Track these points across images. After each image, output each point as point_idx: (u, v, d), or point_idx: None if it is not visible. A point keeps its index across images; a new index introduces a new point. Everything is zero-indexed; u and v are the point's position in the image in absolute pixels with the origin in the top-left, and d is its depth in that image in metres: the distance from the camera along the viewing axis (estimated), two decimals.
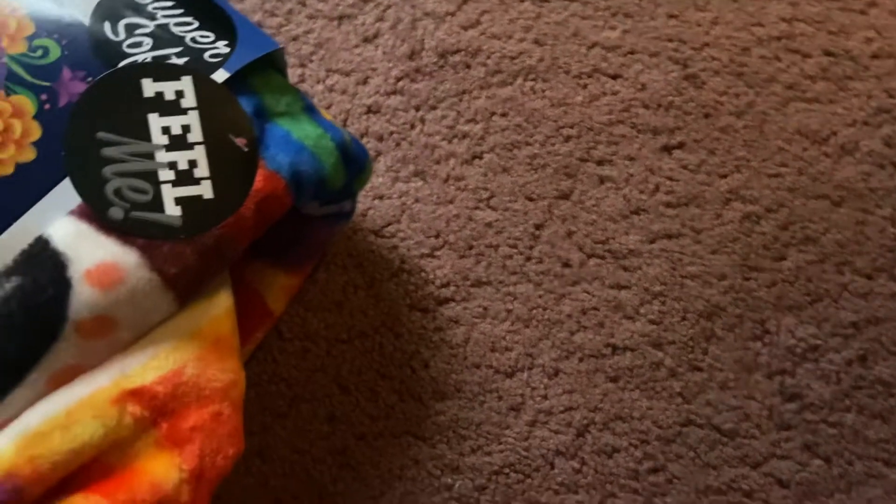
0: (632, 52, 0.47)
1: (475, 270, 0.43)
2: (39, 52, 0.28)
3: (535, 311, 0.42)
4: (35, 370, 0.26)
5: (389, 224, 0.43)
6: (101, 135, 0.28)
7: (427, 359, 0.41)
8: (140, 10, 0.30)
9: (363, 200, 0.43)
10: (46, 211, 0.27)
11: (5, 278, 0.26)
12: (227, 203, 0.29)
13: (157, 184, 0.28)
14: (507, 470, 0.40)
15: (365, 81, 0.46)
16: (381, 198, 0.44)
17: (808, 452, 0.41)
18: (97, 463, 0.27)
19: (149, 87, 0.29)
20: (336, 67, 0.46)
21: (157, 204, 0.28)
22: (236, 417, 0.31)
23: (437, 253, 0.43)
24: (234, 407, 0.31)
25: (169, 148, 0.28)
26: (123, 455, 0.27)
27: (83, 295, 0.26)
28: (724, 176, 0.45)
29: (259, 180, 0.30)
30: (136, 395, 0.28)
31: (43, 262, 0.26)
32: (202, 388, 0.29)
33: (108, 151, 0.28)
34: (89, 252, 0.27)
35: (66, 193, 0.27)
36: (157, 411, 0.28)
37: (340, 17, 0.47)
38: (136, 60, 0.29)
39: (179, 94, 0.29)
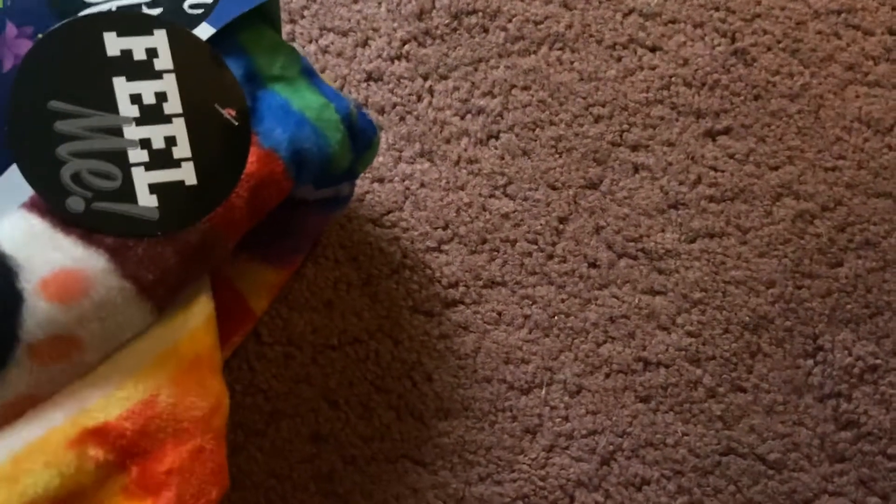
0: (673, 22, 0.41)
1: (488, 269, 0.37)
2: None
3: (556, 318, 0.37)
4: None
5: (390, 212, 0.37)
6: (55, 104, 0.22)
7: (430, 370, 0.35)
8: None
9: (360, 184, 0.37)
10: None
11: None
12: (215, 190, 0.24)
13: (126, 167, 0.22)
14: (520, 502, 0.34)
15: (365, 43, 0.39)
16: (381, 181, 0.38)
17: (864, 489, 0.36)
18: None
19: (113, 44, 0.23)
20: (332, 25, 0.39)
21: (127, 192, 0.22)
22: (220, 450, 0.25)
23: (445, 247, 0.37)
24: (216, 438, 0.25)
25: (140, 121, 0.23)
26: None
27: (38, 311, 0.21)
28: (775, 168, 0.39)
29: (252, 161, 0.25)
30: (98, 434, 0.22)
31: None
32: (179, 420, 0.24)
33: (63, 126, 0.22)
34: (44, 256, 0.21)
35: (13, 181, 0.21)
36: (124, 453, 0.23)
37: None
38: (97, 11, 0.23)
39: (152, 52, 0.23)
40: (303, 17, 0.39)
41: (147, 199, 0.22)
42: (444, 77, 0.39)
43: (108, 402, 0.23)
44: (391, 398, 0.35)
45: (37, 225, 0.21)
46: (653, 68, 0.40)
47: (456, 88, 0.39)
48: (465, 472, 0.34)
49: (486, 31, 0.40)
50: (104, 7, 0.24)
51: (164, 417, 0.23)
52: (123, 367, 0.23)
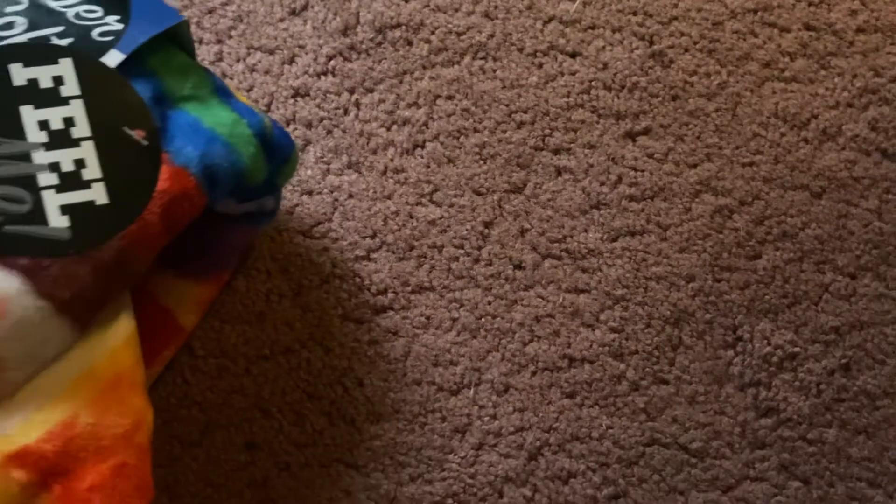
0: (592, 27, 0.42)
1: (416, 275, 0.38)
2: None
3: (483, 320, 0.38)
4: None
5: (320, 223, 0.38)
6: None
7: (361, 376, 0.36)
8: None
9: (289, 196, 0.38)
10: None
11: None
12: (127, 208, 0.24)
13: (35, 190, 0.23)
14: (450, 500, 0.36)
15: (292, 60, 0.40)
16: (309, 193, 0.39)
17: (786, 473, 0.37)
18: None
19: (19, 74, 0.24)
20: (259, 44, 0.40)
21: (37, 215, 0.23)
22: (143, 466, 0.26)
23: (374, 255, 0.38)
24: (139, 454, 0.26)
25: (49, 146, 0.24)
26: None
27: None
28: (694, 165, 0.41)
29: (164, 179, 0.26)
30: (19, 458, 0.23)
31: None
32: (100, 439, 0.25)
33: None
34: None
35: None
36: (46, 473, 0.24)
37: None
38: (3, 43, 0.24)
39: (58, 80, 0.24)
40: (230, 36, 0.40)
41: (58, 220, 0.23)
42: (369, 90, 0.40)
43: (28, 426, 0.23)
44: (323, 404, 0.36)
45: None
46: (573, 73, 0.41)
47: (382, 101, 0.40)
48: (397, 473, 0.36)
49: (409, 43, 0.41)
50: (12, 40, 0.25)
51: (84, 437, 0.24)
52: (42, 390, 0.24)
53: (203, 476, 0.35)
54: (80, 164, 0.24)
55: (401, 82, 0.41)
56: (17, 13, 0.25)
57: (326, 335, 0.37)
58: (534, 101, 0.41)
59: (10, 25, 0.25)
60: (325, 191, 0.39)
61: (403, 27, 0.41)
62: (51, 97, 0.24)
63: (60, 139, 0.24)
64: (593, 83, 0.41)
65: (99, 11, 0.26)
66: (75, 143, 0.24)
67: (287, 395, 0.36)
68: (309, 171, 0.39)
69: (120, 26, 0.26)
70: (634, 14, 0.43)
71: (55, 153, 0.24)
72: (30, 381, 0.24)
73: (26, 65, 0.24)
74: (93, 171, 0.24)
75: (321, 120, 0.40)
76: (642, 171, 0.40)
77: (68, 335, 0.24)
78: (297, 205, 0.39)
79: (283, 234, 0.38)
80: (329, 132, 0.40)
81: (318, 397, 0.36)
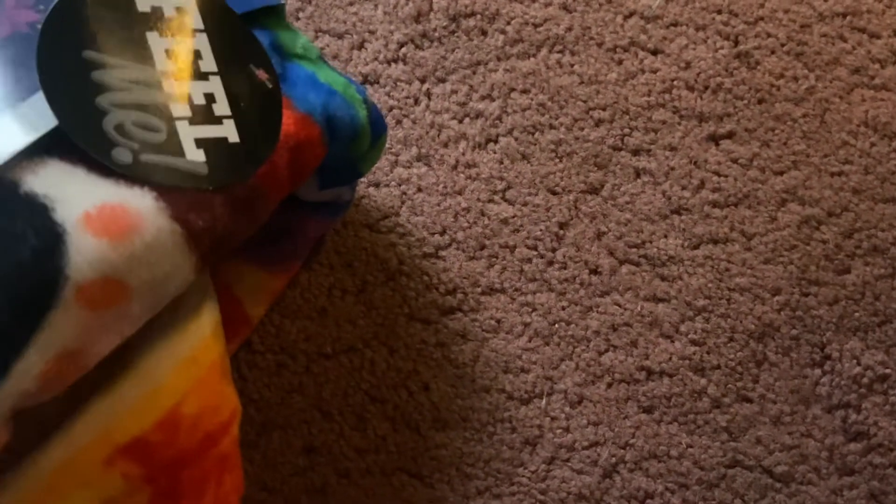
0: (675, 24, 0.40)
1: (487, 275, 0.36)
2: None
3: (556, 326, 0.36)
4: (26, 354, 0.19)
5: (387, 217, 0.36)
6: (89, 54, 0.21)
7: (427, 380, 0.34)
8: None
9: (356, 188, 0.36)
10: None
11: None
12: (257, 148, 0.23)
13: (170, 120, 0.22)
14: None
15: (361, 46, 0.38)
16: (377, 185, 0.37)
17: (875, 502, 0.35)
18: None
19: (143, 0, 0.22)
20: (327, 27, 0.39)
21: (173, 145, 0.21)
22: (239, 456, 0.25)
23: (443, 253, 0.36)
24: (236, 444, 0.24)
25: (178, 76, 0.22)
26: None
27: (85, 247, 0.19)
28: (780, 173, 0.38)
29: (290, 123, 0.24)
30: (129, 450, 0.22)
31: (11, 206, 0.19)
32: (205, 428, 0.23)
33: (100, 76, 0.21)
34: (84, 191, 0.20)
35: (23, 122, 0.20)
36: (154, 465, 0.22)
37: None
38: None
39: (181, 11, 0.23)
40: (298, 19, 0.39)
41: (195, 154, 0.22)
42: (441, 80, 0.38)
43: (137, 415, 0.22)
44: (387, 409, 0.34)
45: (68, 168, 0.20)
46: (654, 72, 0.39)
47: (454, 92, 0.38)
48: (463, 485, 0.33)
49: (484, 33, 0.39)
50: None
51: (188, 427, 0.23)
52: (146, 380, 0.23)
53: (258, 480, 0.32)
54: (210, 98, 0.22)
55: (474, 73, 0.39)
56: None
57: (391, 335, 0.35)
58: (613, 98, 0.39)
59: None
60: (393, 183, 0.37)
61: (478, 16, 0.39)
62: (176, 27, 0.22)
63: (189, 70, 0.22)
64: (675, 82, 0.39)
65: None
66: (204, 76, 0.22)
67: (349, 397, 0.34)
68: (377, 163, 0.37)
69: None
70: (719, 12, 0.41)
71: (185, 84, 0.22)
72: (130, 370, 0.22)
73: None
74: (222, 107, 0.22)
75: (391, 109, 0.38)
76: (726, 176, 0.38)
77: (190, 275, 0.22)
78: (363, 197, 0.37)
79: (347, 227, 0.36)
80: (399, 122, 0.38)
81: (381, 400, 0.34)
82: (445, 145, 0.37)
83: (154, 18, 0.22)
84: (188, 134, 0.22)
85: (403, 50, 0.39)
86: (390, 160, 0.37)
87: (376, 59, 0.38)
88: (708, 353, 0.36)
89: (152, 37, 0.22)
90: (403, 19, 0.39)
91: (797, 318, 0.36)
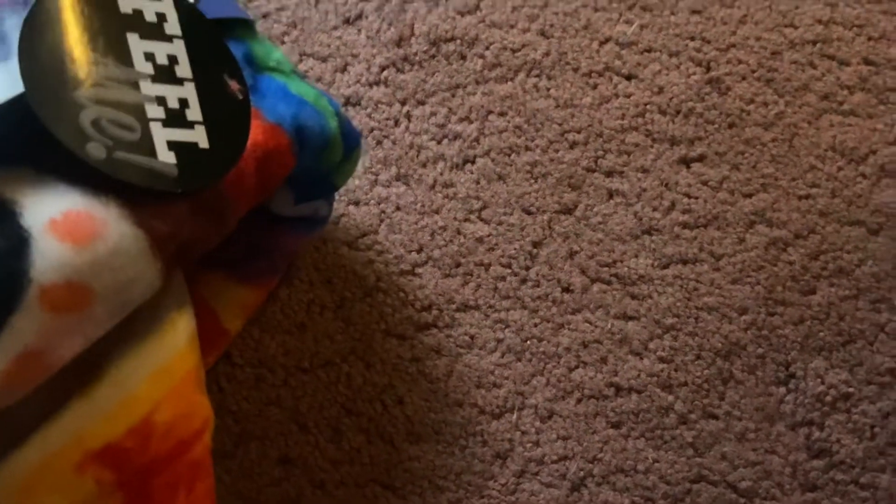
0: (649, 51, 0.41)
1: (462, 292, 0.37)
2: None
3: (528, 343, 0.37)
4: None
5: (365, 235, 0.37)
6: (69, 48, 0.22)
7: (402, 394, 0.35)
8: None
9: (336, 206, 0.37)
10: None
11: None
12: (225, 155, 0.24)
13: (145, 120, 0.22)
14: None
15: (344, 69, 0.40)
16: (356, 203, 0.38)
17: None
18: None
19: (125, 2, 0.23)
20: (311, 51, 0.40)
21: (146, 145, 0.22)
22: (210, 466, 0.25)
23: (419, 270, 0.37)
24: (208, 453, 0.25)
25: (155, 79, 0.23)
26: None
27: (50, 251, 0.20)
28: (749, 195, 0.40)
29: (258, 133, 0.25)
30: (102, 456, 0.22)
31: None
32: (177, 435, 0.24)
33: (80, 71, 0.22)
34: (50, 199, 0.21)
35: None
36: (125, 471, 0.23)
37: None
38: None
39: (161, 17, 0.24)
40: (283, 42, 0.40)
41: (166, 156, 0.22)
42: (421, 102, 0.40)
43: (111, 422, 0.23)
44: (362, 421, 0.35)
45: (37, 176, 0.21)
46: (628, 96, 0.41)
47: (433, 114, 0.40)
48: (435, 497, 0.34)
49: (463, 58, 0.41)
50: None
51: (161, 434, 0.23)
52: (120, 388, 0.23)
53: (235, 489, 0.33)
54: (183, 103, 0.23)
55: (453, 96, 0.40)
56: None
57: (368, 350, 0.36)
58: (587, 121, 0.40)
59: None
60: (373, 202, 0.38)
61: (458, 41, 0.41)
62: (155, 31, 0.23)
63: (165, 74, 0.23)
64: (648, 107, 0.41)
65: None
66: (179, 81, 0.23)
67: (325, 410, 0.35)
68: (357, 181, 0.38)
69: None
70: (692, 39, 0.42)
71: (161, 87, 0.23)
72: (105, 377, 0.23)
73: None
74: (195, 112, 0.23)
75: (371, 130, 0.39)
76: (696, 198, 0.39)
77: (155, 281, 0.22)
78: (343, 215, 0.38)
79: (327, 244, 0.37)
80: (379, 143, 0.39)
81: (356, 413, 0.35)
82: (424, 165, 0.39)
83: (135, 20, 0.23)
84: (161, 136, 0.23)
85: (385, 73, 0.40)
86: (370, 179, 0.38)
87: (358, 81, 0.40)
88: (675, 370, 0.37)
89: (132, 38, 0.23)
90: (385, 43, 0.40)
91: (763, 336, 0.37)
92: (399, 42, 0.40)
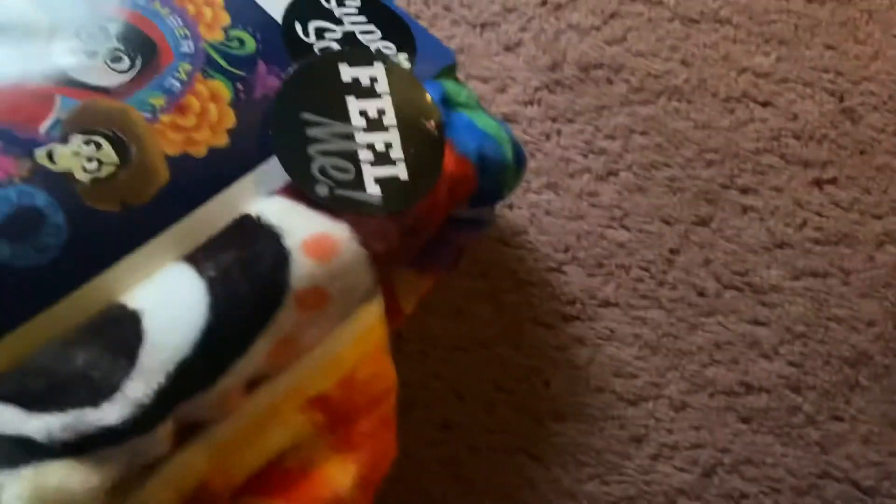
0: (784, 81, 0.45)
1: (603, 290, 0.41)
2: (236, 43, 0.29)
3: (664, 339, 0.40)
4: (259, 338, 0.26)
5: (518, 234, 0.42)
6: (305, 115, 0.28)
7: (548, 376, 0.39)
8: (328, 16, 0.31)
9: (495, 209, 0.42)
10: (241, 193, 0.27)
11: (220, 253, 0.26)
12: (422, 183, 0.29)
13: (357, 163, 0.28)
14: (625, 503, 0.38)
15: (503, 90, 0.45)
16: (510, 207, 0.43)
17: None
18: (276, 466, 0.27)
19: (346, 72, 0.29)
20: (476, 74, 0.45)
21: (358, 182, 0.28)
22: (394, 423, 0.30)
23: (565, 268, 0.41)
24: (394, 410, 0.30)
25: (366, 130, 0.29)
26: (301, 459, 0.27)
27: (302, 265, 0.26)
28: (879, 217, 0.42)
29: (450, 163, 0.30)
30: (318, 402, 0.27)
31: (256, 234, 0.26)
32: (372, 391, 0.29)
33: (311, 132, 0.28)
34: (302, 225, 0.27)
35: (260, 179, 0.27)
36: (333, 417, 0.28)
37: (483, 25, 0.46)
38: (335, 49, 0.30)
39: (373, 79, 0.30)
40: None
41: (373, 189, 0.28)
42: (570, 121, 0.44)
43: (323, 375, 0.28)
44: (511, 398, 0.39)
45: (292, 204, 0.27)
46: (763, 121, 0.44)
47: (581, 131, 0.44)
48: (577, 470, 0.38)
49: (610, 82, 0.45)
50: (335, 45, 0.30)
51: (361, 389, 0.28)
52: (330, 350, 0.28)
53: (402, 447, 0.38)
54: (388, 145, 0.29)
55: (599, 116, 0.44)
56: (333, 39, 0.31)
57: (518, 335, 0.40)
58: (724, 142, 0.44)
59: (329, 49, 0.31)
60: (525, 206, 0.43)
61: (606, 67, 0.45)
62: (368, 92, 0.29)
63: (374, 125, 0.29)
64: (783, 132, 0.44)
65: (393, 49, 0.32)
66: (385, 129, 0.29)
67: (480, 385, 0.39)
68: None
69: (408, 65, 0.32)
70: (826, 72, 0.45)
71: (371, 135, 0.28)
72: (319, 343, 0.28)
73: (351, 66, 0.29)
74: (397, 152, 0.29)
75: (526, 143, 0.44)
76: (827, 217, 0.42)
77: (370, 285, 0.28)
78: (498, 216, 0.42)
79: (484, 240, 0.42)
80: (532, 155, 0.44)
81: (507, 391, 0.39)
82: (571, 176, 0.43)
83: (353, 86, 0.29)
84: (370, 174, 0.28)
85: (539, 94, 0.45)
86: (523, 187, 0.43)
87: (515, 101, 0.45)
88: (804, 374, 0.39)
89: (350, 100, 0.29)
90: (540, 69, 0.45)
91: (890, 348, 0.40)
92: (552, 67, 0.45)
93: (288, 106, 0.28)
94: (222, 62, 0.28)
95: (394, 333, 0.40)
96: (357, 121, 0.29)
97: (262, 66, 0.29)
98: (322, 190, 0.27)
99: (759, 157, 0.43)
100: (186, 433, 0.26)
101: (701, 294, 0.41)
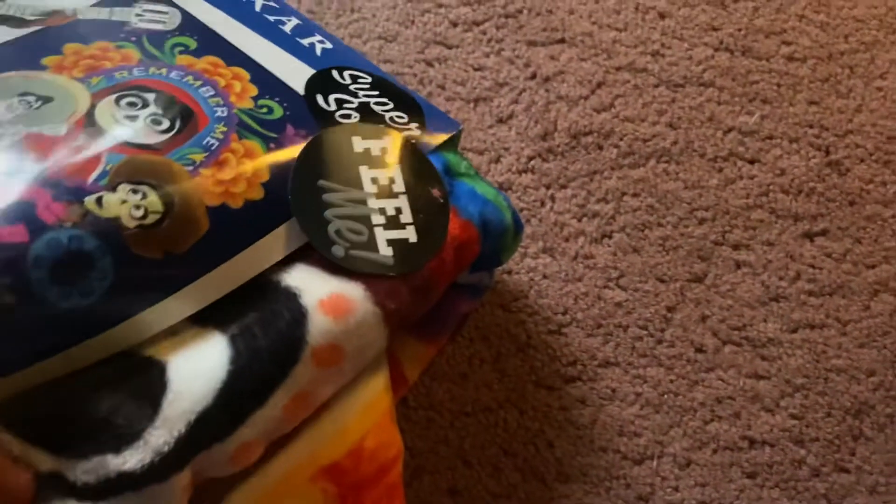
0: (770, 137, 0.46)
1: (603, 350, 0.42)
2: (265, 110, 0.31)
3: (666, 397, 0.41)
4: (277, 392, 0.27)
5: (517, 299, 0.43)
6: (322, 182, 0.30)
7: (552, 438, 0.40)
8: (344, 89, 0.34)
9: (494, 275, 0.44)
10: (269, 249, 0.29)
11: (242, 311, 0.28)
12: (430, 246, 0.31)
13: (370, 227, 0.30)
14: None
15: (498, 160, 0.47)
16: (509, 273, 0.44)
17: None
18: None
19: (358, 144, 0.32)
20: (471, 146, 0.47)
21: (371, 244, 0.30)
22: (402, 488, 0.31)
23: (565, 330, 0.42)
24: (401, 477, 0.31)
25: (378, 196, 0.31)
26: None
27: (319, 322, 0.28)
28: (872, 266, 0.43)
29: (455, 227, 0.32)
30: (328, 472, 0.29)
31: (276, 294, 0.28)
32: (380, 459, 0.30)
33: (328, 197, 0.30)
34: (319, 285, 0.29)
35: (287, 235, 0.29)
36: (344, 486, 0.29)
37: (477, 100, 0.49)
38: (348, 122, 0.33)
39: (384, 150, 0.32)
40: None
41: (385, 250, 0.30)
42: (563, 186, 0.46)
43: (335, 445, 0.29)
44: (517, 461, 0.40)
45: (309, 267, 0.29)
46: (752, 178, 0.45)
47: (574, 196, 0.46)
48: None
49: (600, 148, 0.47)
50: (353, 118, 0.33)
51: (370, 458, 0.29)
52: (340, 416, 0.30)
53: None
54: (398, 210, 0.31)
55: (591, 180, 0.46)
56: (352, 109, 0.33)
57: (521, 398, 0.41)
58: (714, 200, 0.45)
59: (347, 116, 0.33)
60: (523, 271, 0.44)
61: (595, 134, 0.47)
62: (379, 161, 0.31)
63: (386, 192, 0.31)
64: (771, 187, 0.45)
65: (405, 118, 0.34)
66: (395, 195, 0.31)
67: (486, 450, 0.40)
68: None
69: (419, 133, 0.34)
70: (811, 127, 0.46)
71: (382, 201, 0.31)
72: (328, 411, 0.30)
73: (363, 138, 0.32)
74: (406, 217, 0.31)
75: (521, 210, 0.46)
76: (820, 268, 0.43)
77: (382, 343, 0.29)
78: (498, 282, 0.44)
79: (485, 306, 0.43)
80: (528, 221, 0.45)
81: (512, 454, 0.40)
82: (567, 240, 0.45)
83: (365, 156, 0.31)
84: (382, 236, 0.30)
85: (532, 163, 0.47)
86: (521, 252, 0.44)
87: (510, 170, 0.47)
88: (807, 426, 0.40)
89: (363, 169, 0.31)
90: (532, 138, 0.47)
91: (892, 397, 0.40)
92: (544, 136, 0.47)
93: (306, 174, 0.30)
94: (254, 125, 0.30)
95: (400, 401, 0.41)
96: (369, 187, 0.31)
97: (290, 129, 0.31)
98: (338, 251, 0.29)
99: (749, 212, 0.44)
100: (203, 498, 0.27)
101: (699, 350, 0.42)
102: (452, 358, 0.42)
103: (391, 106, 0.33)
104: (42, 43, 0.30)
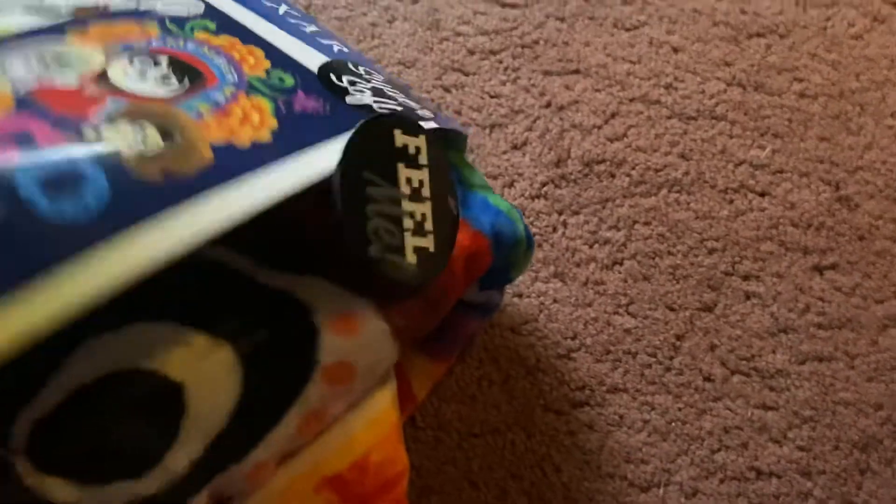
0: (781, 171, 0.47)
1: (611, 376, 0.42)
2: (277, 79, 0.31)
3: (673, 425, 0.41)
4: (290, 410, 0.27)
5: (527, 322, 0.44)
6: (367, 174, 0.29)
7: (559, 463, 0.40)
8: (358, 76, 0.34)
9: (503, 298, 0.44)
10: (274, 186, 0.27)
11: (252, 328, 0.27)
12: (442, 257, 0.31)
13: (402, 230, 0.29)
14: None
15: (511, 185, 0.48)
16: (520, 296, 0.44)
17: None
18: None
19: (399, 139, 0.31)
20: (485, 171, 0.48)
21: (401, 249, 0.29)
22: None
23: (574, 355, 0.43)
24: (405, 495, 0.31)
25: (410, 198, 0.30)
26: None
27: (330, 340, 0.28)
28: (881, 301, 0.43)
29: (466, 238, 0.32)
30: (332, 483, 0.29)
31: (287, 311, 0.28)
32: (385, 475, 0.30)
33: (370, 191, 0.29)
34: (330, 302, 0.28)
35: (301, 169, 0.28)
36: (347, 498, 0.29)
37: (492, 126, 0.50)
38: (391, 113, 0.32)
39: (418, 150, 0.31)
40: None
41: (411, 257, 0.29)
42: (576, 213, 0.47)
43: (339, 456, 0.29)
44: (524, 485, 0.40)
45: (321, 282, 0.29)
46: (762, 210, 0.46)
47: (586, 222, 0.46)
48: None
49: (613, 176, 0.47)
50: (365, 100, 0.32)
51: (375, 473, 0.29)
52: (347, 428, 0.30)
53: None
54: (424, 217, 0.30)
55: (603, 208, 0.47)
56: (365, 88, 0.33)
57: (529, 422, 0.41)
58: (724, 231, 0.45)
59: (361, 92, 0.32)
60: (533, 295, 0.44)
61: (608, 162, 0.48)
62: (414, 161, 0.31)
63: (416, 195, 0.30)
64: (781, 220, 0.46)
65: (417, 105, 0.34)
66: (423, 200, 0.30)
67: (493, 472, 0.40)
68: (520, 277, 0.45)
69: (431, 118, 0.34)
70: (821, 162, 0.47)
71: (412, 204, 0.30)
72: (336, 423, 0.30)
73: (403, 133, 0.31)
74: (429, 224, 0.30)
75: (534, 235, 0.46)
76: (829, 301, 0.43)
77: (393, 358, 0.30)
78: (508, 305, 0.44)
79: (494, 328, 0.44)
80: (539, 246, 0.46)
81: (519, 477, 0.40)
82: (578, 265, 0.45)
83: (402, 152, 0.31)
84: (410, 242, 0.30)
85: (545, 189, 0.47)
86: (531, 276, 0.45)
87: (523, 195, 0.47)
88: (814, 458, 0.40)
89: (401, 167, 0.30)
90: (546, 165, 0.48)
91: None
92: (557, 163, 0.48)
93: (353, 162, 0.29)
94: (264, 88, 0.30)
95: (408, 419, 0.41)
96: (404, 188, 0.30)
97: (300, 94, 0.31)
98: (374, 252, 0.28)
99: (759, 244, 0.45)
100: None
101: (708, 379, 0.42)
102: (462, 379, 0.42)
103: (404, 97, 0.33)
104: (70, 23, 0.30)
